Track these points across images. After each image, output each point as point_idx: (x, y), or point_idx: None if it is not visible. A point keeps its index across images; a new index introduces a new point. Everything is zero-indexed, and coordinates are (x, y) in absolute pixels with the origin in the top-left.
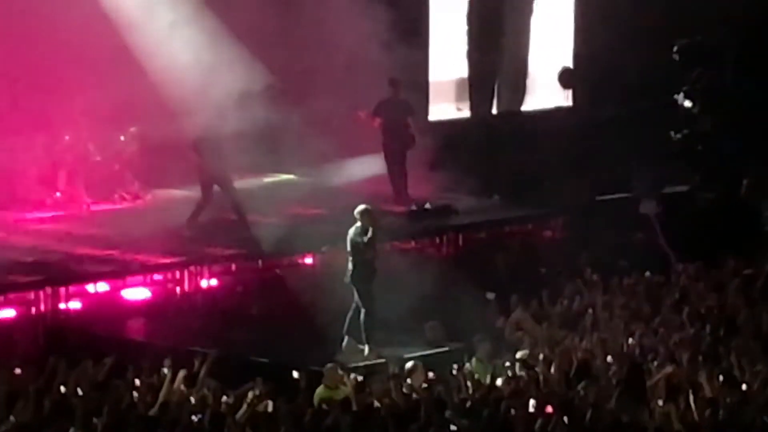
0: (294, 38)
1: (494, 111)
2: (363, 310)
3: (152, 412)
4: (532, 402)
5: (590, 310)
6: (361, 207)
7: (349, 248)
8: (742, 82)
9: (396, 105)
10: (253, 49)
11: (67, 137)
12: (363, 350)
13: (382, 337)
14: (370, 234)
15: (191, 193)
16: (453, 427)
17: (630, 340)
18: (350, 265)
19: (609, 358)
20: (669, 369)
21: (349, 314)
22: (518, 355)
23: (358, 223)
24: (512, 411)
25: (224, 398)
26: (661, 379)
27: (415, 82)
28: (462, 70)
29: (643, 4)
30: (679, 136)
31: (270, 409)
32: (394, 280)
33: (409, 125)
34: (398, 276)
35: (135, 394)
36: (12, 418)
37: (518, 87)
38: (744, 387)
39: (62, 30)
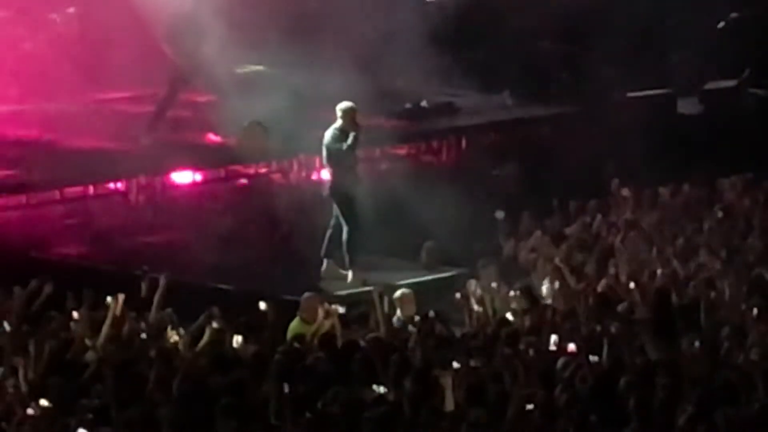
0: None
1: None
2: (345, 229)
3: (92, 352)
4: (553, 338)
5: (616, 231)
6: (345, 104)
7: (324, 155)
8: None
9: None
10: None
11: None
12: (345, 276)
13: (369, 261)
14: (351, 138)
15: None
16: (456, 365)
17: (662, 267)
18: (328, 175)
19: (632, 285)
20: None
21: (328, 233)
22: (544, 289)
23: (337, 123)
24: (530, 351)
25: (175, 336)
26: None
27: None
28: None
29: None
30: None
31: (236, 345)
32: (382, 193)
33: None
34: (388, 188)
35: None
36: None
37: None
38: None
39: None
